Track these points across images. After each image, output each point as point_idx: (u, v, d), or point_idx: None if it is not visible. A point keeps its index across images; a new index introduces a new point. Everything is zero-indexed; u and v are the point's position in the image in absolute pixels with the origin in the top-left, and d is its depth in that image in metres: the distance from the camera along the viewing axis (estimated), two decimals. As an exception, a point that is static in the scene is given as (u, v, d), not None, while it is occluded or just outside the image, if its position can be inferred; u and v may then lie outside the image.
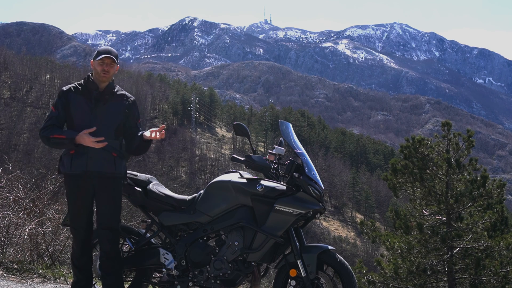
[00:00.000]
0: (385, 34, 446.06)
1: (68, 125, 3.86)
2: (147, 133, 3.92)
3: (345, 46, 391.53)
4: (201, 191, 4.03)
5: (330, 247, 3.78)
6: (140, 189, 4.06)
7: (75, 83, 3.96)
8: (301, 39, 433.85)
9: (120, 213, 3.93)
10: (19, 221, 6.39)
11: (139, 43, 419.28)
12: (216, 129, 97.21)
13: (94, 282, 4.23)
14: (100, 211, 3.85)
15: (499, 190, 9.23)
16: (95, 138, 3.70)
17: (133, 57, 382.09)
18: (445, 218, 9.30)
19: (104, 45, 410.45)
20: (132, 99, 4.04)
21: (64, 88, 3.90)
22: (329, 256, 3.76)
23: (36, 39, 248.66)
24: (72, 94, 3.85)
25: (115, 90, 3.95)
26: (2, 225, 6.21)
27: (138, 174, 4.23)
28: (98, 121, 3.81)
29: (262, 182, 3.81)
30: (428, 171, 9.37)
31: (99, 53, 3.87)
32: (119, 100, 3.94)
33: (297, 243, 3.77)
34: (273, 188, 3.78)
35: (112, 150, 3.82)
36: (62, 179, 4.23)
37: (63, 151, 3.87)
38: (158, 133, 3.94)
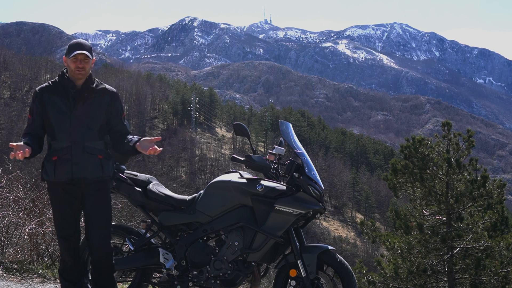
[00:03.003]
0: (385, 34, 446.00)
1: (47, 129, 3.55)
2: (142, 146, 3.52)
3: (345, 46, 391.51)
4: (201, 191, 4.02)
5: (330, 247, 3.78)
6: (140, 189, 4.05)
7: (49, 81, 3.62)
8: (301, 39, 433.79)
9: (111, 215, 3.78)
10: (19, 221, 6.38)
11: (139, 43, 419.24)
12: (216, 129, 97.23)
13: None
14: (91, 216, 3.63)
15: (499, 190, 9.23)
16: (15, 146, 3.34)
17: (133, 57, 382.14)
18: (445, 218, 9.29)
19: (104, 45, 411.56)
20: (113, 92, 3.68)
21: (38, 89, 3.56)
22: (329, 256, 3.75)
23: (36, 39, 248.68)
24: (46, 95, 3.52)
25: (94, 85, 3.59)
26: (2, 225, 6.21)
27: (138, 174, 4.22)
28: (78, 122, 3.50)
29: (262, 182, 3.81)
30: (428, 171, 9.36)
31: (71, 48, 3.50)
32: (100, 96, 3.59)
33: (297, 243, 3.76)
34: (273, 188, 3.77)
35: (98, 153, 3.55)
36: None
37: (45, 157, 3.56)
38: (156, 149, 3.49)
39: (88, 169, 3.53)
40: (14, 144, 3.35)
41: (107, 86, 3.67)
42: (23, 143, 3.41)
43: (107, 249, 3.73)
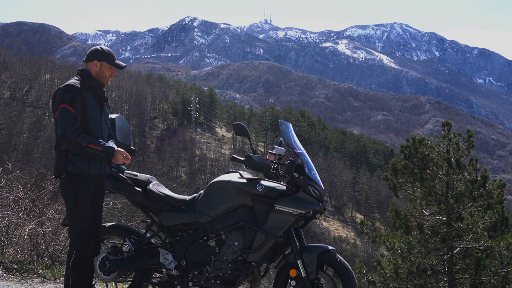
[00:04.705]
0: (385, 34, 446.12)
1: (81, 126, 3.63)
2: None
3: (345, 46, 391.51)
4: (201, 191, 4.03)
5: (330, 247, 3.78)
6: (140, 189, 4.05)
7: (78, 79, 3.71)
8: (301, 39, 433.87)
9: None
10: (19, 221, 6.38)
11: (139, 43, 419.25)
12: (216, 129, 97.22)
13: (94, 282, 4.23)
14: (97, 207, 3.85)
15: (499, 190, 9.23)
16: (126, 154, 3.69)
17: (133, 57, 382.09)
18: (445, 218, 9.29)
19: (104, 45, 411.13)
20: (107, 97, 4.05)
21: (76, 84, 3.63)
22: (329, 256, 3.75)
23: (36, 39, 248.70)
24: (85, 92, 3.67)
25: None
26: (2, 225, 6.21)
27: (138, 174, 4.22)
28: (104, 122, 3.82)
29: (262, 182, 3.81)
30: (428, 171, 9.36)
31: (110, 56, 3.80)
32: (106, 99, 3.93)
33: (297, 243, 3.76)
34: (273, 188, 3.78)
35: None
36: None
37: (70, 151, 3.63)
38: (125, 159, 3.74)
39: (107, 166, 3.84)
40: (122, 150, 3.70)
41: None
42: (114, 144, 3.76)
43: (99, 240, 3.94)
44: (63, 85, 3.65)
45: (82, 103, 3.62)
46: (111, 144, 3.70)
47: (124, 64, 3.89)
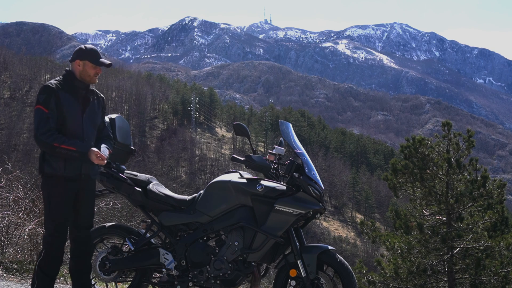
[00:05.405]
0: (385, 34, 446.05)
1: (58, 127, 3.59)
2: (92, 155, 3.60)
3: (345, 46, 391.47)
4: (201, 191, 4.03)
5: (330, 247, 3.78)
6: (140, 189, 4.05)
7: (58, 79, 3.68)
8: (301, 39, 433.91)
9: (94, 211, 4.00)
10: (19, 221, 6.38)
11: (139, 43, 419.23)
12: (216, 129, 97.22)
13: (94, 283, 4.24)
14: (83, 212, 3.79)
15: (499, 190, 9.22)
16: (100, 154, 3.57)
17: (133, 57, 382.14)
18: (445, 218, 9.29)
19: (104, 45, 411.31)
20: (101, 95, 3.94)
21: (52, 85, 3.60)
22: (329, 256, 3.75)
23: (36, 39, 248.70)
24: (62, 93, 3.60)
25: (92, 87, 3.81)
26: (2, 225, 6.21)
27: (138, 174, 4.22)
28: (87, 123, 3.70)
29: (262, 182, 3.81)
30: (428, 171, 9.35)
31: (94, 55, 3.70)
32: (96, 99, 3.83)
33: (297, 243, 3.76)
34: (273, 188, 3.77)
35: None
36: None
37: (47, 152, 3.61)
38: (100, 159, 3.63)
39: (93, 167, 3.75)
40: (96, 150, 3.58)
41: (96, 90, 3.90)
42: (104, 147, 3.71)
43: (91, 240, 3.96)
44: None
45: (58, 103, 3.56)
46: (87, 144, 3.61)
47: (109, 62, 3.75)
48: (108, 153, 3.76)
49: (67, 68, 3.75)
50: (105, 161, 3.61)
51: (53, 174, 3.63)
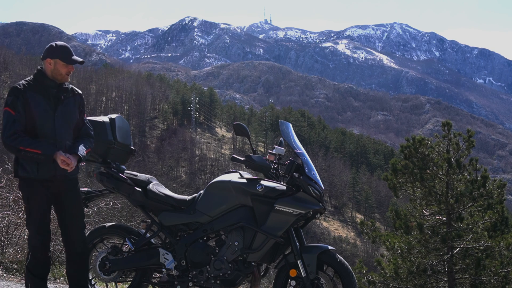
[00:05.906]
0: (385, 34, 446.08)
1: (28, 128, 3.50)
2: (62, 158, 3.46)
3: (345, 46, 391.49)
4: (201, 191, 4.02)
5: (330, 247, 3.78)
6: (140, 189, 4.05)
7: (27, 79, 3.58)
8: (301, 39, 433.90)
9: (84, 211, 3.91)
10: (19, 221, 6.38)
11: (139, 43, 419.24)
12: (216, 129, 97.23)
13: (94, 283, 4.24)
14: (71, 210, 3.72)
15: (499, 190, 9.22)
16: (66, 159, 3.43)
17: (133, 57, 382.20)
18: (445, 218, 9.29)
19: (104, 45, 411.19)
20: (80, 92, 3.79)
21: (20, 86, 3.49)
22: (329, 256, 3.75)
23: (36, 39, 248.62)
24: (29, 93, 3.49)
25: (66, 85, 3.67)
26: (2, 225, 6.21)
27: (138, 174, 4.22)
28: (59, 122, 3.57)
29: (262, 182, 3.81)
30: (428, 171, 9.35)
31: (66, 53, 3.57)
32: (72, 96, 3.70)
33: (297, 243, 3.76)
34: (273, 188, 3.77)
35: (75, 151, 3.62)
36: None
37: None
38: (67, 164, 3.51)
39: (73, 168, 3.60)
40: (62, 154, 3.44)
41: (73, 86, 3.76)
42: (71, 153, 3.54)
43: (85, 241, 3.87)
44: None
45: (26, 105, 3.46)
46: (54, 147, 3.48)
47: (81, 60, 3.63)
48: (85, 152, 3.65)
49: (38, 67, 3.64)
50: (72, 168, 3.47)
51: (27, 177, 3.56)
